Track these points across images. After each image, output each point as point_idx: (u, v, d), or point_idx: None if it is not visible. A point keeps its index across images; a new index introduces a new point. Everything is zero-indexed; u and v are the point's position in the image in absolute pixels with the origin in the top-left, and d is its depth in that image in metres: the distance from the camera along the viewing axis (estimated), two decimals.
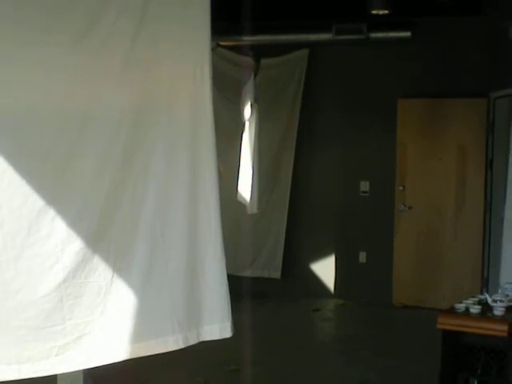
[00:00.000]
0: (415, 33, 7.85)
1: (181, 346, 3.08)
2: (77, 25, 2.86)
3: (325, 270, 8.56)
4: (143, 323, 2.96)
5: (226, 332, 3.17)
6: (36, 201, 2.78)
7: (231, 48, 8.40)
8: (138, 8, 3.00)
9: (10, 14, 2.72)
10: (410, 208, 8.08)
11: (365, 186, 8.38)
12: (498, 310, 4.06)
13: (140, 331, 2.96)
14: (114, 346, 2.92)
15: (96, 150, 2.92)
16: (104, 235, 2.93)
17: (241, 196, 8.03)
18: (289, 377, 5.75)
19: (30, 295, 2.76)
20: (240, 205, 8.02)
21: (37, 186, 2.79)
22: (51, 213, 2.80)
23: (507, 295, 4.29)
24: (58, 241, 2.81)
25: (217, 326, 3.16)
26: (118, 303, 2.93)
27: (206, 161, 3.13)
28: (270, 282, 8.56)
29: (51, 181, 2.84)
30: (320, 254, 8.58)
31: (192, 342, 3.12)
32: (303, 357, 6.24)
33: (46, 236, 2.79)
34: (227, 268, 3.19)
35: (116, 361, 2.93)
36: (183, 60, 3.12)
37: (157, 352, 3.02)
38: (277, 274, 8.60)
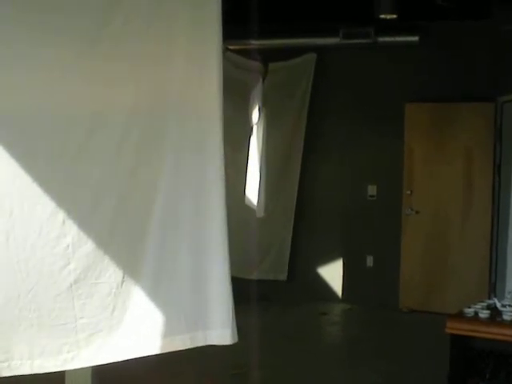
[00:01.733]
0: (423, 37, 7.85)
1: (188, 345, 3.06)
2: (86, 28, 2.86)
3: (332, 273, 8.55)
4: (152, 323, 2.97)
5: (225, 339, 3.09)
6: (47, 203, 2.79)
7: (239, 52, 8.41)
8: (147, 9, 2.98)
9: (22, 17, 2.75)
10: (417, 212, 8.06)
11: (372, 190, 8.38)
12: (507, 315, 4.05)
13: (149, 330, 2.96)
14: (124, 344, 2.93)
15: (106, 152, 2.92)
16: (114, 237, 2.94)
17: (248, 199, 8.04)
18: (293, 380, 5.73)
19: (41, 295, 2.78)
20: (247, 208, 8.03)
21: (47, 188, 2.80)
22: (62, 215, 2.81)
23: None
24: (69, 242, 2.82)
25: (217, 331, 3.11)
26: (128, 303, 2.95)
27: (212, 163, 3.10)
28: (277, 285, 8.55)
29: (62, 183, 2.85)
30: (327, 258, 8.57)
31: (200, 343, 3.10)
32: (309, 360, 6.23)
33: (57, 238, 2.80)
34: (234, 271, 3.15)
35: (125, 359, 2.95)
36: (191, 60, 3.08)
37: (165, 351, 3.01)
38: (283, 276, 8.60)
